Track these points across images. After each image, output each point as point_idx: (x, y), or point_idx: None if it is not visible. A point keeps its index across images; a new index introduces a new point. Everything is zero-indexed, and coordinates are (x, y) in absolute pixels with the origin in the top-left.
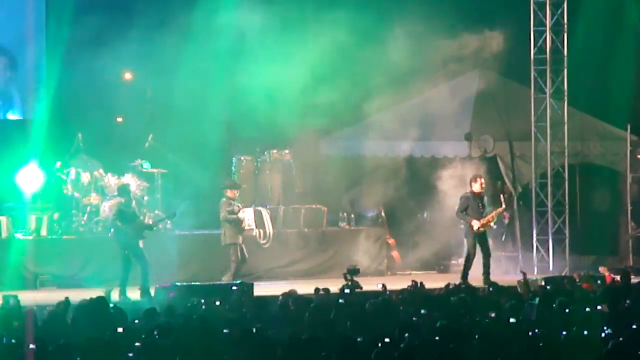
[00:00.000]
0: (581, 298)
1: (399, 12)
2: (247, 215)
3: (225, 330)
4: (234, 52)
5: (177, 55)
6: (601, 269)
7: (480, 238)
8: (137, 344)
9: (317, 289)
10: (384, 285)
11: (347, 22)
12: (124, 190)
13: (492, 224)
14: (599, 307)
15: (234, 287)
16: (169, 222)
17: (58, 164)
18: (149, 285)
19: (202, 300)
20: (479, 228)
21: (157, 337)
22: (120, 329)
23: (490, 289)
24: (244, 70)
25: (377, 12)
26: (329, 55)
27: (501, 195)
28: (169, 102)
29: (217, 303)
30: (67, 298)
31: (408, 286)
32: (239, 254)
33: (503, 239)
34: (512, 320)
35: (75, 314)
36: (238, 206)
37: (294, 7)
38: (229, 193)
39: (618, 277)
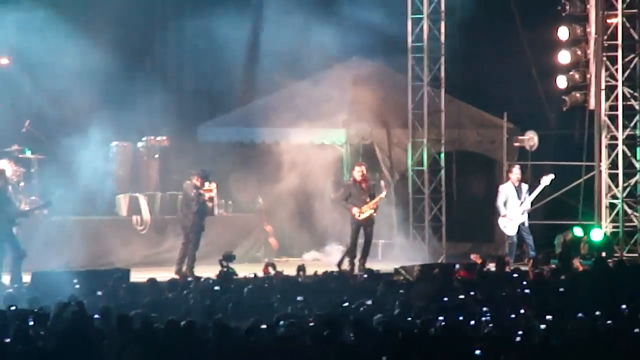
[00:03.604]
0: (461, 286)
1: None
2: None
3: (96, 316)
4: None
5: (55, 39)
6: (473, 257)
7: (365, 225)
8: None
9: (198, 277)
10: (255, 275)
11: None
12: None
13: (374, 211)
14: (472, 293)
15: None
16: (45, 210)
17: None
18: (20, 272)
19: (77, 286)
20: (359, 215)
21: (32, 324)
22: None
23: (365, 275)
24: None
25: None
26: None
27: (382, 182)
28: (46, 87)
29: (99, 293)
30: None
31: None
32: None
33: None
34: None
35: None
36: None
37: None
38: (196, 180)
39: (492, 265)
